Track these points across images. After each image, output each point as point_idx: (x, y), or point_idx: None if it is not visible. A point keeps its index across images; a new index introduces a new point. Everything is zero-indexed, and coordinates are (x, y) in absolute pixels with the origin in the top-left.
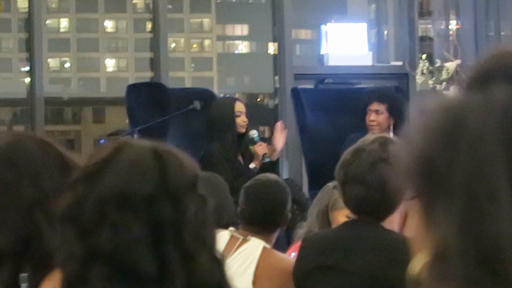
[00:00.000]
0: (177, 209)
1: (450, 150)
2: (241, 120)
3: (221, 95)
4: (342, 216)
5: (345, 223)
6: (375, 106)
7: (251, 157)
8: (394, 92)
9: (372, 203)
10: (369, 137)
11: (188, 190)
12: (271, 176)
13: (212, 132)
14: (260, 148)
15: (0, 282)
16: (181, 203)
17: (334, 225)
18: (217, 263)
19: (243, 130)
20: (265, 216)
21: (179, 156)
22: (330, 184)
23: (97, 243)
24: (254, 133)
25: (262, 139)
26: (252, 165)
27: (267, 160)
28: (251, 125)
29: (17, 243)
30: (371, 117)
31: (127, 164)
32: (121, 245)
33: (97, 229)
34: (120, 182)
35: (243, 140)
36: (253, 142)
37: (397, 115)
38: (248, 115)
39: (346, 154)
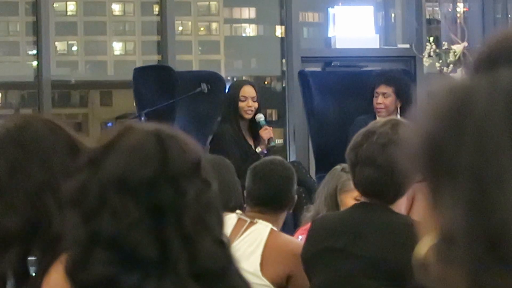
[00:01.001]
0: (177, 193)
1: (457, 133)
2: (245, 105)
3: (228, 78)
4: (350, 198)
5: (354, 206)
6: (382, 89)
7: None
8: (401, 74)
9: (382, 185)
10: (381, 119)
11: (190, 174)
12: (277, 157)
13: (223, 114)
14: (266, 132)
15: (8, 265)
16: (181, 187)
17: (342, 208)
18: (222, 247)
19: (247, 115)
20: (272, 195)
21: (183, 139)
22: (338, 167)
23: (99, 227)
24: (260, 117)
25: (269, 122)
26: (258, 149)
27: (272, 144)
28: (259, 109)
29: (26, 225)
30: (378, 100)
31: (127, 149)
32: (122, 229)
33: (99, 214)
34: (120, 166)
35: (255, 123)
36: (259, 126)
37: (404, 98)
38: (259, 99)
39: (357, 135)
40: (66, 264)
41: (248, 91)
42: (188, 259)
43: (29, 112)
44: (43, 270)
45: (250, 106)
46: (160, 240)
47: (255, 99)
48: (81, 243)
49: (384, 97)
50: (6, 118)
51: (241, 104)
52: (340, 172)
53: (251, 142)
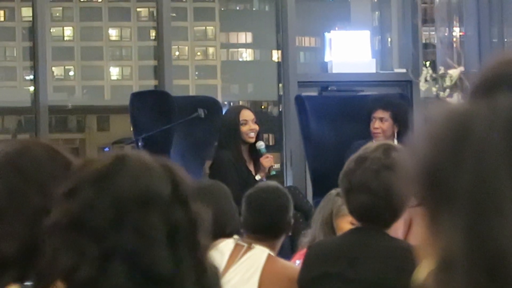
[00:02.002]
0: (187, 214)
1: (456, 159)
2: (247, 129)
3: (225, 103)
4: (346, 223)
5: (350, 231)
6: (379, 113)
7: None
8: (398, 99)
9: (377, 211)
10: (372, 144)
11: (193, 197)
12: (271, 183)
13: (220, 139)
14: (267, 161)
15: None
16: (191, 208)
17: (338, 233)
18: (216, 272)
19: (250, 139)
20: (268, 223)
21: (178, 167)
22: (333, 192)
23: (116, 243)
24: (261, 145)
25: (265, 147)
26: (258, 177)
27: (273, 173)
28: (259, 132)
29: (22, 251)
30: (375, 125)
31: (142, 167)
32: (142, 245)
33: (115, 230)
34: (140, 183)
35: (255, 148)
36: (259, 153)
37: (401, 122)
38: (259, 123)
39: (349, 162)
40: (70, 284)
41: (247, 114)
42: (195, 277)
43: (26, 137)
44: None
45: (252, 129)
46: (173, 258)
47: (255, 122)
48: (93, 260)
49: (381, 122)
50: (5, 143)
51: (242, 129)
52: (335, 197)
53: (251, 167)
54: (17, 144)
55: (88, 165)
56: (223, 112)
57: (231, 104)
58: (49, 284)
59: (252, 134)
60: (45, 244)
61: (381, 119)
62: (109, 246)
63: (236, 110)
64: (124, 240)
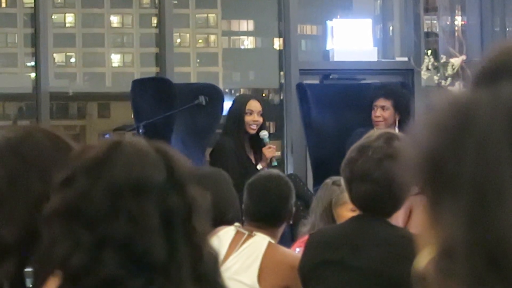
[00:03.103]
0: (184, 199)
1: (458, 147)
2: (251, 119)
3: (226, 90)
4: (347, 210)
5: (351, 219)
6: (381, 102)
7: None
8: (400, 88)
9: (379, 200)
10: (374, 133)
11: (191, 182)
12: (273, 171)
13: (225, 127)
14: (269, 151)
15: (5, 276)
16: (187, 193)
17: (339, 221)
18: (215, 258)
19: (251, 130)
20: (269, 211)
21: (176, 152)
22: (329, 181)
23: (110, 231)
24: (264, 134)
25: (269, 135)
26: (259, 166)
27: (274, 163)
28: (263, 124)
29: (23, 237)
30: (377, 113)
31: (136, 154)
32: (137, 233)
33: (109, 218)
34: (134, 170)
35: (257, 138)
36: (262, 143)
37: (402, 111)
38: (265, 115)
39: (351, 151)
40: (65, 272)
41: (255, 105)
42: (191, 264)
43: (27, 124)
44: (39, 281)
45: (256, 121)
46: (168, 245)
47: (261, 114)
48: (87, 248)
49: (383, 110)
50: (7, 129)
51: (247, 118)
52: (332, 186)
53: (252, 157)
54: (19, 130)
55: (85, 152)
56: (224, 100)
57: (232, 91)
58: (49, 272)
59: (254, 126)
60: (43, 232)
61: (383, 108)
62: (102, 234)
63: (244, 99)
64: (117, 228)
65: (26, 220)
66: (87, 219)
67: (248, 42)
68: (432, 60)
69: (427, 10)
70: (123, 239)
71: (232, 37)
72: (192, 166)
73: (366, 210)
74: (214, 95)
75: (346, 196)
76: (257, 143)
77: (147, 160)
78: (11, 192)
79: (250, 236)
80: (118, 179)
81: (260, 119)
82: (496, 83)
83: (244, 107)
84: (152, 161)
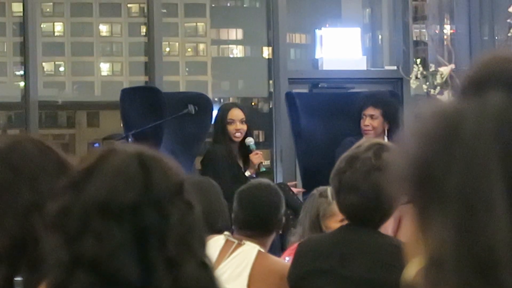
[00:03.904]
0: (161, 216)
1: (446, 157)
2: (233, 128)
3: (216, 99)
4: (335, 222)
5: (340, 228)
6: (369, 111)
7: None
8: (389, 97)
9: (367, 212)
10: (364, 143)
11: (173, 197)
12: (263, 180)
13: (214, 135)
14: (256, 157)
15: None
16: (165, 210)
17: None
18: (205, 269)
19: (236, 138)
20: (259, 220)
21: (165, 162)
22: (315, 192)
23: (81, 250)
24: (250, 141)
25: (256, 144)
26: (247, 173)
27: (263, 169)
28: (248, 130)
29: (13, 245)
30: (366, 122)
31: (111, 172)
32: (104, 253)
33: (81, 237)
34: (103, 190)
35: (244, 145)
36: (248, 150)
37: (391, 120)
38: (247, 122)
39: (340, 161)
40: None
41: (236, 114)
42: (171, 283)
43: (16, 133)
44: None
45: (239, 129)
46: (143, 264)
47: (244, 121)
48: (63, 265)
49: (372, 119)
50: None
51: (228, 128)
52: (319, 199)
53: (241, 164)
54: (8, 140)
55: (81, 162)
56: (213, 109)
57: (221, 100)
58: (40, 279)
59: (238, 134)
60: (42, 237)
61: (372, 116)
62: (76, 254)
63: (225, 108)
64: (86, 247)
65: (15, 229)
66: (64, 237)
67: (237, 51)
68: (421, 69)
69: (416, 19)
70: (92, 259)
71: (221, 46)
72: (181, 172)
73: (354, 220)
74: (203, 104)
75: (334, 207)
76: (245, 150)
77: (121, 178)
78: (0, 201)
79: (239, 245)
80: (89, 198)
81: (244, 127)
82: (483, 92)
83: (226, 116)
84: (127, 179)
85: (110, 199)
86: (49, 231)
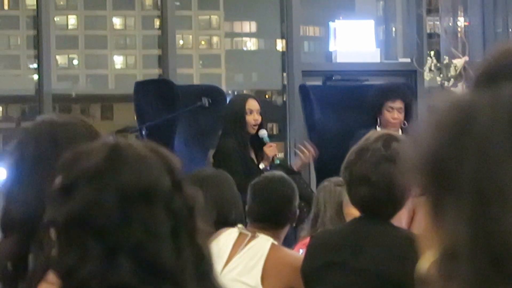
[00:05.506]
0: (185, 201)
1: (459, 148)
2: (252, 118)
3: (229, 92)
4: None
5: (353, 220)
6: (398, 103)
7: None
8: (408, 89)
9: (379, 203)
10: (373, 134)
11: (187, 182)
12: (277, 173)
13: (224, 128)
14: (270, 150)
15: (7, 255)
16: (187, 194)
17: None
18: (211, 257)
19: (252, 130)
20: (272, 213)
21: (169, 151)
22: (327, 184)
23: (121, 239)
24: (263, 133)
25: (269, 136)
26: (261, 165)
27: (277, 162)
28: (263, 122)
29: (29, 216)
30: (395, 115)
31: (139, 159)
32: (148, 239)
33: (121, 226)
34: (142, 176)
35: (257, 138)
36: (262, 142)
37: (408, 112)
38: (263, 113)
39: (350, 153)
40: (68, 281)
41: (253, 104)
42: (194, 265)
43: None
44: (38, 269)
45: (256, 119)
46: (175, 248)
47: (259, 113)
48: (95, 258)
49: (399, 112)
50: (57, 115)
51: (247, 118)
52: (336, 188)
53: (253, 157)
54: (65, 117)
55: (80, 159)
56: (227, 101)
57: (235, 93)
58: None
59: (256, 126)
60: (44, 241)
61: (399, 110)
62: (114, 242)
63: (242, 99)
64: (130, 236)
65: (36, 201)
66: (96, 229)
67: (250, 44)
68: (434, 61)
69: (429, 11)
70: (135, 246)
71: (234, 39)
72: (180, 163)
73: (367, 212)
74: (217, 96)
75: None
76: (257, 143)
77: (150, 164)
78: (31, 171)
79: (253, 237)
80: (128, 186)
81: (259, 118)
82: (497, 84)
83: (244, 107)
84: (155, 164)
85: (151, 184)
86: (68, 229)
